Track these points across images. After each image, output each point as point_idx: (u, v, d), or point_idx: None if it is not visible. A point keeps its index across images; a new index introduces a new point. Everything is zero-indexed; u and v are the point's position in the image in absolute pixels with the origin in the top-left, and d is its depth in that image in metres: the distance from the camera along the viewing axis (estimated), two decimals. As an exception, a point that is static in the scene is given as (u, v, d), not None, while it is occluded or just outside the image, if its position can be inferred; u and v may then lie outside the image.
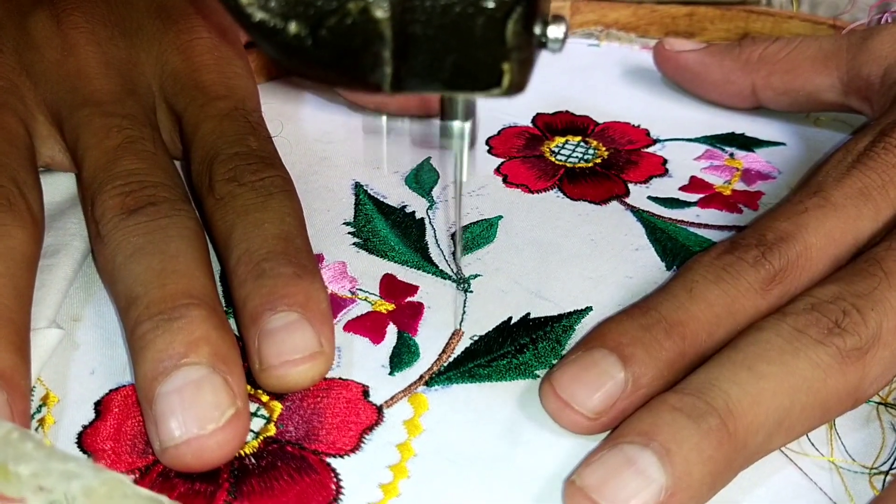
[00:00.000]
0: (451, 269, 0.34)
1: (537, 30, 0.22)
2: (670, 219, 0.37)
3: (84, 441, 0.27)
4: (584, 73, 0.49)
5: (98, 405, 0.28)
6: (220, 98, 0.36)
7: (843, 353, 0.26)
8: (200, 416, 0.25)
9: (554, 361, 0.30)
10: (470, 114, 0.26)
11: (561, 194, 0.39)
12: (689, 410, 0.25)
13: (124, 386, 0.29)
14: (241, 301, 0.29)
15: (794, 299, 0.28)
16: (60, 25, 0.36)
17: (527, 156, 0.42)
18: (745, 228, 0.36)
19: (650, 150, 0.42)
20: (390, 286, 0.33)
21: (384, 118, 0.33)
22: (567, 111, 0.45)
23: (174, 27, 0.38)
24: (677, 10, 0.52)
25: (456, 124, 0.26)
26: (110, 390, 0.29)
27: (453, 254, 0.35)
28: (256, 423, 0.28)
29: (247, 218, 0.31)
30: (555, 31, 0.23)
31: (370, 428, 0.28)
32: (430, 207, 0.38)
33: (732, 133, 0.44)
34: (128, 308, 0.28)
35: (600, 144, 0.42)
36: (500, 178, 0.40)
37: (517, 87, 0.22)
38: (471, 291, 0.33)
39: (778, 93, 0.43)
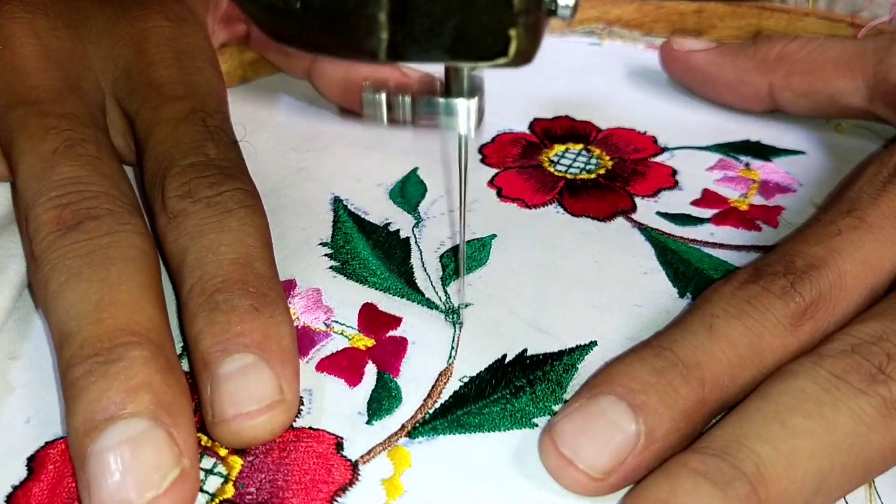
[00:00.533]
0: (440, 298, 0.31)
1: None
2: (682, 238, 0.34)
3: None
4: (585, 75, 0.46)
5: (31, 461, 0.25)
6: (176, 99, 0.32)
7: (888, 403, 0.23)
8: (138, 481, 0.22)
9: (554, 408, 0.26)
10: (477, 89, 0.24)
11: (561, 209, 0.35)
12: (713, 475, 0.21)
13: (63, 438, 0.25)
14: (193, 340, 0.25)
15: (830, 338, 0.25)
16: None
17: (523, 166, 0.38)
18: (764, 248, 0.33)
19: (658, 159, 0.39)
20: (370, 318, 0.30)
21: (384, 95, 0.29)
22: (567, 116, 0.42)
23: (127, 15, 0.34)
24: (685, 7, 0.49)
25: (461, 101, 0.24)
26: (46, 443, 0.25)
27: (441, 278, 0.31)
28: (212, 483, 0.24)
29: (201, 241, 0.27)
30: None
31: (344, 488, 0.24)
32: (416, 225, 0.34)
33: (747, 140, 0.40)
34: (61, 346, 0.25)
35: (604, 153, 0.39)
36: (493, 192, 0.36)
37: (524, 56, 0.21)
38: (460, 323, 0.29)
39: (797, 94, 0.39)
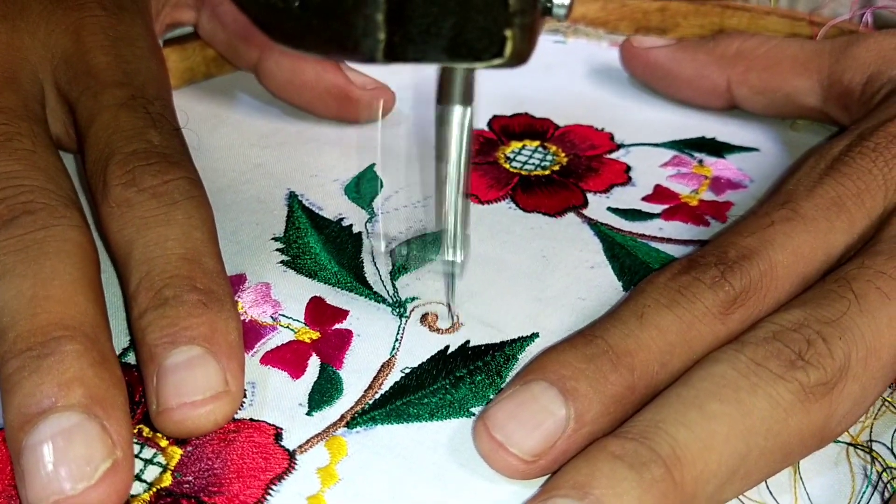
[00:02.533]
0: (387, 291, 0.31)
1: None
2: (630, 233, 0.34)
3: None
4: (548, 72, 0.46)
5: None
6: (116, 85, 0.32)
7: (806, 388, 0.23)
8: (71, 473, 0.22)
9: (492, 396, 0.27)
10: (469, 98, 0.25)
11: (513, 205, 0.36)
12: (630, 458, 0.22)
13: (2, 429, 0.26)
14: (140, 333, 0.26)
15: (755, 326, 0.25)
16: None
17: (479, 163, 0.38)
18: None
19: (613, 155, 0.39)
20: (317, 311, 0.30)
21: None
22: (526, 113, 0.42)
23: (62, 4, 0.34)
24: (649, 5, 0.49)
25: (456, 109, 0.25)
26: (-10, 433, 0.26)
27: (390, 272, 0.32)
28: (151, 472, 0.25)
29: (147, 234, 0.27)
30: None
31: (279, 477, 0.24)
32: (369, 220, 0.35)
33: (703, 137, 0.40)
34: None
35: (559, 150, 0.39)
36: (448, 188, 0.37)
37: (520, 56, 0.21)
38: (406, 317, 0.30)
39: (754, 91, 0.40)
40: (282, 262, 0.32)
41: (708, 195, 0.36)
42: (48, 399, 0.23)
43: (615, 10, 0.50)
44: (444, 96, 0.25)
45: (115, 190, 0.28)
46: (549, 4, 0.22)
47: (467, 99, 0.25)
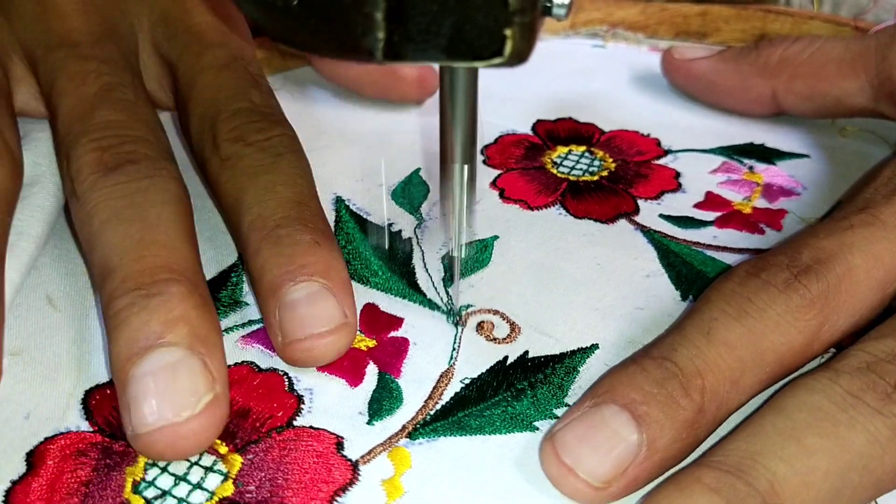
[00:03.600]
0: (441, 299, 0.30)
1: None
2: (685, 240, 0.33)
3: (12, 500, 0.23)
4: (589, 77, 0.46)
5: (30, 456, 0.25)
6: (217, 45, 0.33)
7: None
8: (175, 402, 0.23)
9: (555, 411, 0.26)
10: (468, 157, 0.26)
11: (563, 211, 0.35)
12: (727, 493, 0.21)
13: (62, 434, 0.25)
14: (258, 271, 0.27)
15: (846, 353, 0.24)
16: None
17: (526, 167, 0.38)
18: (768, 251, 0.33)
19: (661, 161, 0.38)
20: (372, 318, 0.29)
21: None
22: (570, 118, 0.42)
23: None
24: (689, 9, 0.49)
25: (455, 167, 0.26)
26: (45, 438, 0.25)
27: (443, 279, 0.31)
28: (212, 481, 0.24)
29: (257, 180, 0.29)
30: None
31: (344, 488, 0.24)
32: (418, 226, 0.34)
33: (751, 143, 0.40)
34: (103, 280, 0.26)
35: (606, 155, 0.39)
36: (496, 193, 0.36)
37: (520, 55, 0.21)
38: (462, 325, 0.29)
39: (802, 98, 0.39)
40: (333, 267, 0.32)
41: (761, 202, 0.36)
42: (155, 335, 0.24)
43: (654, 15, 0.49)
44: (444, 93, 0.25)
45: (224, 145, 0.30)
46: (548, 4, 0.22)
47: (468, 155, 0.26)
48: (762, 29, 0.48)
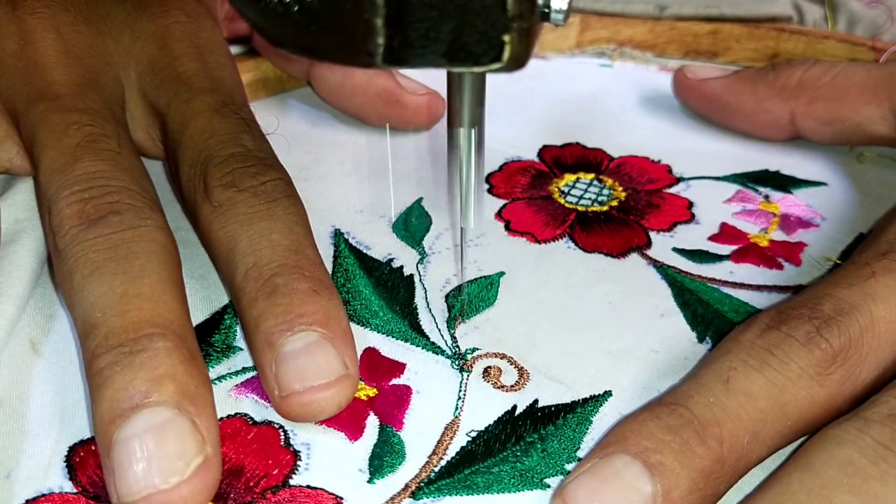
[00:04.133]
0: (445, 342, 0.29)
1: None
2: (700, 276, 0.32)
3: (-11, 570, 0.22)
4: (596, 99, 0.44)
5: (10, 520, 0.23)
6: (206, 91, 0.32)
7: None
8: (163, 468, 0.22)
9: (567, 466, 0.25)
10: (476, 120, 0.25)
11: (572, 244, 0.34)
12: None
13: (45, 496, 0.24)
14: (253, 322, 0.26)
15: (874, 401, 0.23)
16: (16, 11, 0.33)
17: (532, 197, 0.36)
18: (787, 288, 0.31)
19: (673, 190, 0.37)
20: (372, 364, 0.28)
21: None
22: (577, 143, 0.40)
23: (147, 11, 0.34)
24: (699, 28, 0.47)
25: (462, 132, 0.25)
26: (27, 501, 0.24)
27: (447, 320, 0.30)
28: (203, 548, 0.23)
29: (252, 227, 0.28)
30: (558, 1, 0.22)
31: (342, 556, 0.22)
32: (420, 261, 0.32)
33: (766, 171, 0.38)
34: (86, 337, 0.25)
35: (616, 183, 0.37)
36: (501, 225, 0.35)
37: (518, 61, 0.21)
38: (468, 371, 0.28)
39: (821, 123, 0.38)
40: (331, 307, 0.30)
41: (778, 235, 0.34)
42: (140, 394, 0.23)
43: (664, 33, 0.48)
44: (451, 122, 0.25)
45: (216, 191, 0.29)
46: (546, 10, 0.22)
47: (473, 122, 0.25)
48: (775, 48, 0.46)
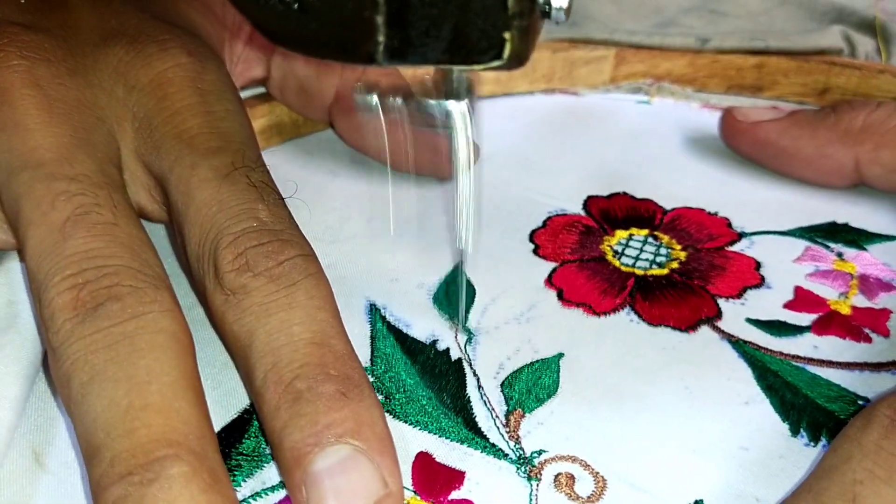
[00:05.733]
0: (507, 443, 0.25)
1: None
2: (781, 353, 0.29)
3: None
4: (638, 140, 0.41)
5: None
6: (212, 152, 0.27)
7: None
8: None
9: None
10: (468, 92, 0.24)
11: (635, 316, 0.30)
12: None
13: None
14: (277, 436, 0.23)
15: None
16: None
17: (584, 259, 0.33)
18: (879, 366, 0.28)
19: (736, 248, 0.34)
20: (426, 473, 0.24)
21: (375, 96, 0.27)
22: (625, 193, 0.37)
23: (142, 54, 0.29)
24: (744, 61, 0.44)
25: (452, 104, 0.24)
26: None
27: (506, 413, 0.26)
28: None
29: (269, 321, 0.24)
30: None
31: None
32: (468, 341, 0.29)
33: (834, 223, 0.35)
34: (90, 461, 0.22)
35: (674, 241, 0.34)
36: (554, 294, 0.31)
37: (518, 58, 0.21)
38: (537, 479, 0.24)
39: (889, 170, 0.35)
40: (374, 402, 0.27)
41: (859, 300, 0.31)
42: None
43: (705, 67, 0.44)
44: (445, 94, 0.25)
45: (228, 276, 0.25)
46: (547, 8, 0.22)
47: (463, 95, 0.25)
48: (826, 83, 0.43)
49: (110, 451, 0.21)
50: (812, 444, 0.25)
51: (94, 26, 0.30)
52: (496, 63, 0.21)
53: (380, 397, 0.27)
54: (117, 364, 0.22)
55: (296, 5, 0.20)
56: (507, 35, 0.21)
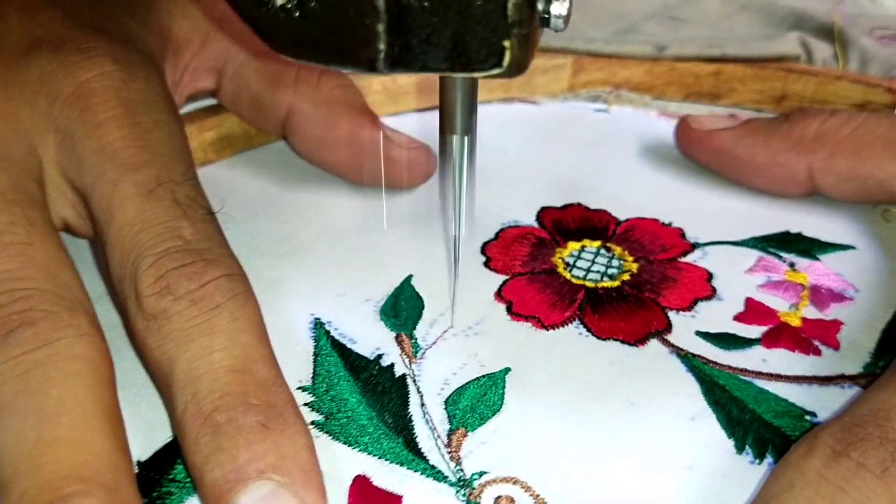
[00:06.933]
0: (447, 464, 0.25)
1: (540, 5, 0.22)
2: (729, 367, 0.28)
3: None
4: (594, 149, 0.41)
5: None
6: (136, 167, 0.26)
7: None
8: None
9: None
10: (468, 128, 0.25)
11: (584, 330, 0.30)
12: None
13: None
14: (198, 471, 0.22)
15: None
16: None
17: (535, 271, 0.32)
18: (828, 379, 0.28)
19: (689, 259, 0.33)
20: (363, 498, 0.24)
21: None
22: (579, 204, 0.36)
23: (65, 62, 0.28)
24: (701, 68, 0.44)
25: (455, 139, 0.25)
26: None
27: (448, 432, 0.26)
28: None
29: (189, 347, 0.23)
30: (558, 7, 0.22)
31: None
32: (414, 355, 0.28)
33: (787, 233, 0.35)
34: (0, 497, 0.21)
35: (626, 252, 0.34)
36: (503, 307, 0.31)
37: (518, 66, 0.21)
38: (477, 503, 0.24)
39: (842, 179, 0.35)
40: (313, 423, 0.26)
41: (810, 312, 0.31)
42: None
43: (663, 74, 0.44)
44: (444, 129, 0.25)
45: (148, 301, 0.24)
46: (546, 15, 0.22)
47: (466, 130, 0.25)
48: (783, 90, 0.43)
49: (18, 487, 0.20)
50: (757, 461, 0.25)
51: (21, 36, 0.29)
52: (496, 71, 0.21)
53: (319, 418, 0.26)
54: (27, 395, 0.22)
55: (297, 12, 0.20)
56: (506, 43, 0.21)
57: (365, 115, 0.35)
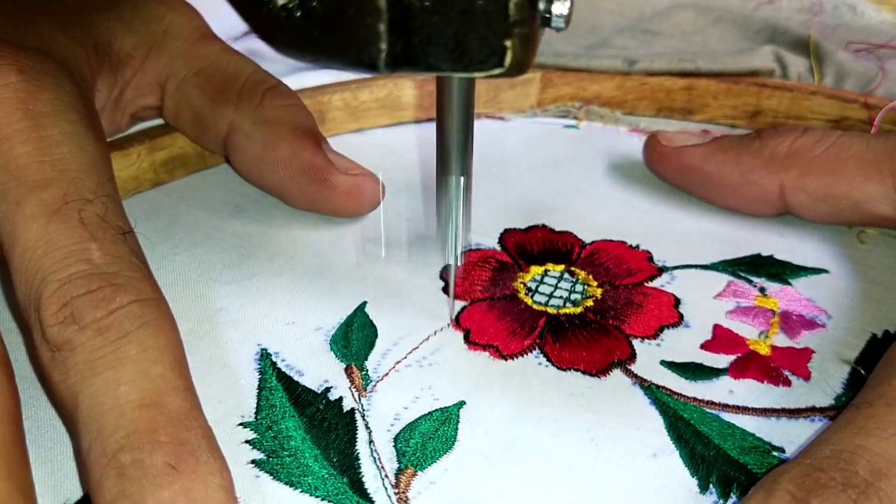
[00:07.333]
0: (394, 502, 0.24)
1: (541, 5, 0.21)
2: (695, 399, 0.27)
3: None
4: (561, 168, 0.39)
5: None
6: (41, 185, 0.25)
7: None
8: None
9: None
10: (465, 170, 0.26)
11: (544, 360, 0.28)
12: None
13: None
14: None
15: None
16: None
17: (495, 297, 0.31)
18: (797, 412, 0.26)
19: (656, 283, 0.32)
20: (302, 544, 0.22)
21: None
22: (544, 226, 0.35)
23: None
24: (672, 83, 0.43)
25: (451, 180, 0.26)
26: None
27: (396, 471, 0.24)
28: None
29: (94, 381, 0.22)
30: (559, 6, 0.22)
31: None
32: (364, 388, 0.27)
33: (759, 255, 0.34)
34: None
35: (590, 277, 0.32)
36: (461, 335, 0.29)
37: (519, 66, 0.21)
38: (422, 548, 0.22)
39: (814, 199, 0.34)
40: (253, 461, 0.25)
41: (780, 339, 0.30)
42: None
43: (633, 89, 0.43)
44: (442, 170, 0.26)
45: (51, 330, 0.22)
46: (547, 15, 0.22)
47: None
48: (756, 105, 0.42)
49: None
50: (721, 501, 0.24)
51: None
52: (497, 70, 0.21)
53: (261, 456, 0.25)
54: None
55: (298, 13, 0.20)
56: (508, 43, 0.21)
57: (308, 136, 0.34)
